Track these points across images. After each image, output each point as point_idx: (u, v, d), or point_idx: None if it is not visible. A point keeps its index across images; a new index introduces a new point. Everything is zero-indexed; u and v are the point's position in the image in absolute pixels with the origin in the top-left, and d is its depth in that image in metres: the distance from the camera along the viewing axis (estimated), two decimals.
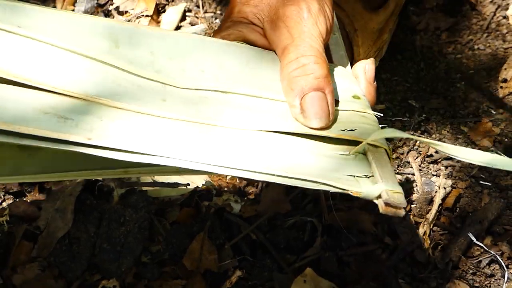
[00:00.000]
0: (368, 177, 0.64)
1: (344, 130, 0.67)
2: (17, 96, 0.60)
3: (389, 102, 1.21)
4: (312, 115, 0.66)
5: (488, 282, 0.99)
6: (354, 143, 0.66)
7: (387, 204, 0.62)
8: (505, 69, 1.22)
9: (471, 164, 1.12)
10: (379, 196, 0.62)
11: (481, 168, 1.11)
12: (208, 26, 1.31)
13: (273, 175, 0.61)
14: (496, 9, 1.32)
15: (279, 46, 0.70)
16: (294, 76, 0.68)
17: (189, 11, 1.36)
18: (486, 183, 1.09)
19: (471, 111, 1.19)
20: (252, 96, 0.68)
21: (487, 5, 1.33)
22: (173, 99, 0.65)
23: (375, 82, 0.73)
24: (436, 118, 1.18)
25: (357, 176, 0.64)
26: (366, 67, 0.73)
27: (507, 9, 1.31)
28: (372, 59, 0.74)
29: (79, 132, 0.59)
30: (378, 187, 0.62)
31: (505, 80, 1.21)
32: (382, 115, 0.69)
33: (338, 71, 0.73)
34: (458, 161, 1.13)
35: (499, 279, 0.99)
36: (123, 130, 0.61)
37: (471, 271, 1.00)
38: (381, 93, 1.23)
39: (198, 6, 1.36)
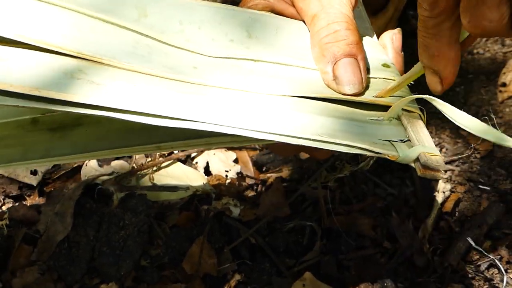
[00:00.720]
0: (404, 142, 0.64)
1: (376, 97, 0.67)
2: (43, 60, 0.60)
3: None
4: (345, 81, 0.66)
5: (487, 286, 1.00)
6: (387, 109, 0.66)
7: (425, 166, 0.62)
8: (504, 73, 1.23)
9: (470, 168, 1.12)
10: (416, 160, 0.62)
11: (480, 172, 1.12)
12: None
13: (309, 139, 0.61)
14: None
15: (308, 14, 0.69)
16: (325, 43, 0.67)
17: None
18: (485, 187, 1.10)
19: (471, 115, 1.19)
20: (283, 64, 0.68)
21: None
22: (204, 67, 0.65)
23: (402, 52, 0.73)
24: (436, 122, 1.19)
25: (392, 141, 0.64)
26: (393, 37, 0.72)
27: None
28: (399, 28, 0.74)
29: (110, 97, 0.59)
30: (415, 150, 0.62)
31: (504, 84, 1.22)
32: (413, 82, 0.70)
33: (366, 40, 0.73)
34: (458, 166, 1.13)
35: (498, 284, 1.00)
36: (159, 96, 0.61)
37: (470, 276, 1.01)
38: None
39: None
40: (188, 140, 0.68)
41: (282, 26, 0.71)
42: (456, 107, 1.19)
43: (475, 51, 1.28)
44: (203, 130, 0.60)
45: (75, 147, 0.69)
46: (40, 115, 0.71)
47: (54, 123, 0.71)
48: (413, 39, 1.29)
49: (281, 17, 0.72)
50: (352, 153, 0.63)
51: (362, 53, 0.66)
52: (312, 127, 0.63)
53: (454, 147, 1.15)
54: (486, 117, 1.19)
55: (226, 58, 0.67)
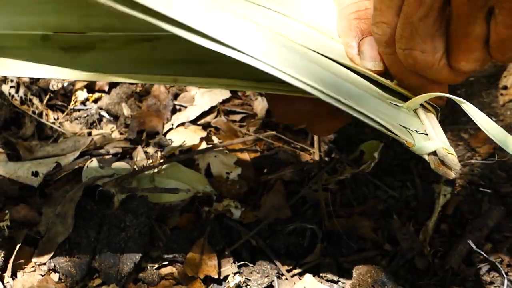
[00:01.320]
0: (420, 134, 0.64)
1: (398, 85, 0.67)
2: None
3: None
4: (371, 57, 0.65)
5: None
6: (404, 98, 0.66)
7: (442, 161, 0.63)
8: (505, 76, 1.23)
9: (471, 171, 1.12)
10: (432, 153, 0.63)
11: (481, 175, 1.12)
12: None
13: (336, 99, 0.62)
14: None
15: None
16: (354, 18, 0.66)
17: None
18: (486, 190, 1.10)
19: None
20: (309, 26, 0.68)
21: None
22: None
23: None
24: None
25: (409, 129, 0.64)
26: None
27: None
28: None
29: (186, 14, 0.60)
30: (433, 143, 0.63)
31: (505, 87, 1.22)
32: None
33: None
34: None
35: (499, 287, 1.00)
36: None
37: (470, 279, 1.01)
38: None
39: None
40: (209, 78, 0.67)
41: None
42: (457, 109, 1.20)
43: None
44: (225, 69, 0.60)
45: (87, 67, 0.68)
46: (52, 33, 0.70)
47: (67, 43, 0.70)
48: None
49: None
50: (370, 125, 0.64)
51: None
52: (337, 86, 0.63)
53: (455, 149, 1.15)
54: None
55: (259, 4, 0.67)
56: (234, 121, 1.20)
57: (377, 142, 1.16)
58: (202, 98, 1.22)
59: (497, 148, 1.15)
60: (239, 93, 1.23)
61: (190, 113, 1.20)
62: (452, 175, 0.64)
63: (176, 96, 1.23)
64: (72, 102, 1.26)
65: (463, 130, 1.18)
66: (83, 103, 1.26)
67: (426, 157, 0.63)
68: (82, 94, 1.26)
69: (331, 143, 1.17)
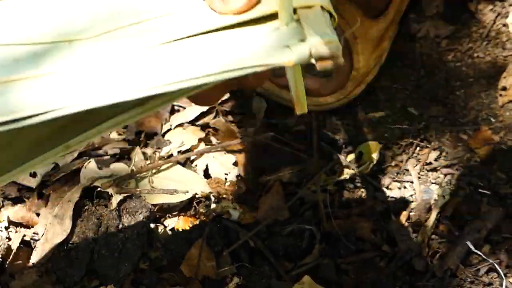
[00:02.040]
0: (302, 40, 0.58)
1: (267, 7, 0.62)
2: None
3: (389, 110, 1.23)
4: None
5: None
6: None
7: (320, 58, 0.57)
8: (505, 77, 1.23)
9: (470, 172, 1.13)
10: (312, 55, 0.57)
11: (480, 176, 1.12)
12: None
13: (197, 77, 0.57)
14: (496, 17, 1.33)
15: None
16: None
17: None
18: (485, 191, 1.10)
19: (471, 119, 1.20)
20: (164, 15, 0.64)
21: (487, 13, 1.34)
22: (83, 50, 0.63)
23: None
24: (436, 125, 1.20)
25: (290, 45, 0.59)
26: None
27: (507, 17, 1.33)
28: None
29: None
30: (306, 44, 0.57)
31: (504, 88, 1.23)
32: None
33: None
34: (457, 169, 1.14)
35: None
36: (43, 94, 0.59)
37: (469, 280, 1.01)
38: (381, 100, 1.24)
39: None
40: (96, 127, 0.64)
41: None
42: (456, 110, 1.20)
43: (475, 54, 1.28)
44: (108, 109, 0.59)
45: None
46: None
47: None
48: (414, 43, 1.30)
49: None
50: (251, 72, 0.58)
51: None
52: (205, 63, 0.58)
53: (454, 150, 1.16)
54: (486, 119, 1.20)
55: (106, 33, 0.63)
56: (232, 122, 1.21)
57: (376, 144, 1.17)
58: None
59: (496, 149, 1.16)
60: (238, 94, 1.23)
61: (189, 113, 1.21)
62: (340, 60, 0.57)
63: (172, 112, 1.24)
64: None
65: (462, 131, 1.18)
66: None
67: (313, 62, 0.57)
68: None
69: (329, 144, 1.17)
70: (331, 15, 0.61)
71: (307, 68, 1.17)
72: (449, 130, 1.19)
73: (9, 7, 0.66)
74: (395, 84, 1.26)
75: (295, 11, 0.60)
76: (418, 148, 1.18)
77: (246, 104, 1.23)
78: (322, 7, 0.60)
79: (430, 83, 1.26)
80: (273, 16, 0.61)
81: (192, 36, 0.61)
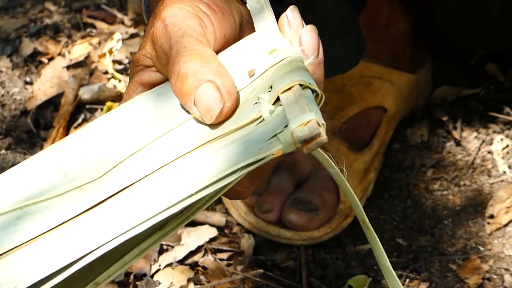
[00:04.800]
0: (286, 126, 0.60)
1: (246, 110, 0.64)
2: None
3: None
4: (204, 111, 0.64)
5: None
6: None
7: (303, 141, 0.59)
8: (492, 205, 1.28)
9: None
10: (296, 142, 0.59)
11: None
12: None
13: (196, 192, 0.60)
14: (481, 144, 1.39)
15: (164, 70, 0.69)
16: (178, 89, 0.66)
17: None
18: None
19: (459, 248, 1.24)
20: (161, 136, 0.67)
21: (472, 141, 1.40)
22: (90, 192, 0.65)
23: (304, 28, 0.68)
24: (425, 256, 1.23)
25: (277, 134, 0.60)
26: (288, 16, 0.69)
27: (491, 144, 1.38)
28: (292, 6, 0.70)
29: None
30: (288, 128, 0.59)
31: (492, 216, 1.27)
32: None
33: (253, 37, 0.70)
34: None
35: None
36: (52, 253, 0.62)
37: None
38: None
39: None
40: (123, 258, 0.66)
41: (157, 95, 0.70)
42: (444, 240, 1.24)
43: (461, 182, 1.33)
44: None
45: None
46: None
47: None
48: (399, 173, 1.35)
49: (158, 87, 0.70)
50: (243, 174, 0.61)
51: (214, 70, 0.65)
52: (194, 180, 0.61)
53: (444, 281, 1.19)
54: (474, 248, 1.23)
55: (112, 169, 0.66)
56: (221, 259, 1.24)
57: (365, 277, 1.20)
58: (189, 237, 1.26)
59: (486, 278, 1.19)
60: (226, 231, 1.27)
61: (177, 253, 1.25)
62: (323, 139, 0.58)
63: None
64: None
65: (451, 261, 1.22)
66: None
67: (300, 146, 0.59)
68: None
69: (318, 279, 1.21)
70: (313, 91, 0.63)
71: (293, 202, 1.23)
72: (438, 260, 1.23)
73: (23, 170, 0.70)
74: (383, 215, 1.30)
75: (278, 98, 0.63)
76: (407, 280, 1.21)
77: (234, 242, 1.27)
78: (301, 85, 0.62)
79: (417, 213, 1.30)
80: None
81: (187, 153, 0.64)
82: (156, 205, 0.61)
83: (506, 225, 1.26)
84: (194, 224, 1.27)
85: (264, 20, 0.71)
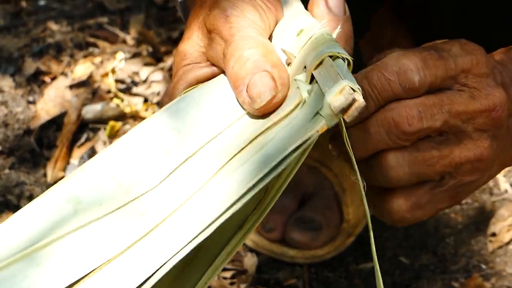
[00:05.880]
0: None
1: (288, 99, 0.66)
2: None
3: (380, 259, 1.29)
4: (256, 95, 0.65)
5: None
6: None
7: (342, 110, 0.60)
8: (493, 223, 1.30)
9: None
10: (336, 112, 0.60)
11: None
12: None
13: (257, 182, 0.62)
14: None
15: (219, 57, 0.69)
16: (235, 71, 0.66)
17: None
18: None
19: (462, 266, 1.26)
20: (213, 138, 0.67)
21: None
22: (152, 203, 0.65)
23: (343, 11, 0.70)
24: (427, 274, 1.25)
25: (319, 110, 0.62)
26: None
27: None
28: None
29: None
30: (326, 102, 0.61)
31: (493, 234, 1.29)
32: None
33: (282, 23, 0.71)
34: None
35: None
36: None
37: None
38: (371, 251, 1.30)
39: None
40: (213, 265, 0.68)
41: (202, 93, 0.70)
42: (446, 258, 1.26)
43: (463, 201, 1.36)
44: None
45: None
46: None
47: None
48: None
49: (200, 84, 0.71)
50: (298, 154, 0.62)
51: (272, 61, 0.66)
52: (256, 168, 0.63)
53: None
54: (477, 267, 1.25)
55: (169, 175, 0.66)
56: (225, 278, 1.26)
57: None
58: None
59: None
60: None
61: None
62: (361, 103, 0.60)
63: None
64: None
65: (454, 279, 1.24)
66: None
67: (340, 117, 0.61)
68: None
69: None
70: (344, 59, 0.64)
71: (296, 221, 1.25)
72: (440, 278, 1.24)
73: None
74: (385, 233, 1.33)
75: (312, 76, 0.64)
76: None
77: (238, 260, 1.29)
78: (331, 56, 0.64)
79: (419, 231, 1.32)
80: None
81: (243, 148, 0.65)
82: (220, 204, 0.62)
83: (508, 243, 1.28)
84: None
85: (292, 6, 0.72)
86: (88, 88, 1.53)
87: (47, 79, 1.53)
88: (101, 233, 0.64)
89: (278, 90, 0.65)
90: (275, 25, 0.71)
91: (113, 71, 1.53)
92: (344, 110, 0.60)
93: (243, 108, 0.67)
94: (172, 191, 0.65)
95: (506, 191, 1.36)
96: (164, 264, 0.62)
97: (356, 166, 0.66)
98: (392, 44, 1.38)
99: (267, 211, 0.68)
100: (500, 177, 1.38)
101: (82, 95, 1.51)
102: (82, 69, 1.56)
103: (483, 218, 1.33)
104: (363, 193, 0.68)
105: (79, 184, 0.66)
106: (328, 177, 1.29)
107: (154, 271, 0.62)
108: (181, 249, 0.62)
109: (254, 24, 0.69)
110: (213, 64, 0.71)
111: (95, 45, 1.60)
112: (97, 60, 1.57)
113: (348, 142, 0.65)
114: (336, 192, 1.29)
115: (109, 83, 1.53)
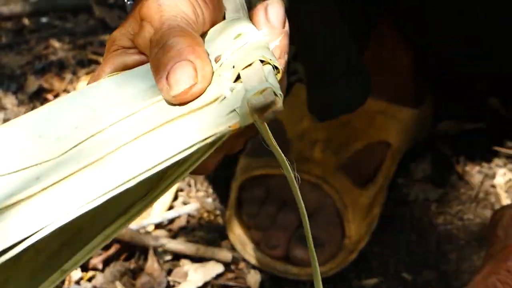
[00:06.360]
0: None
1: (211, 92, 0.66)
2: None
3: (382, 276, 1.30)
4: (174, 82, 0.66)
5: None
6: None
7: (259, 110, 0.60)
8: None
9: None
10: (252, 111, 0.61)
11: None
12: (200, 206, 1.41)
13: (155, 165, 0.63)
14: (484, 178, 1.42)
15: (147, 44, 0.70)
16: (158, 58, 0.67)
17: (181, 190, 1.47)
18: None
19: (464, 282, 1.27)
20: (125, 117, 0.68)
21: (475, 175, 1.43)
22: (48, 170, 0.66)
23: (282, 24, 0.71)
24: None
25: (237, 109, 0.63)
26: (267, 8, 0.71)
27: (494, 178, 1.42)
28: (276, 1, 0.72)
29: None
30: (243, 100, 0.61)
31: None
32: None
33: (221, 25, 0.73)
34: None
35: None
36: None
37: None
38: (373, 266, 1.31)
39: (189, 186, 1.47)
40: (88, 245, 0.68)
41: (124, 79, 0.71)
42: (449, 274, 1.28)
43: (465, 216, 1.37)
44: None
45: None
46: None
47: None
48: (403, 207, 1.38)
49: (127, 71, 0.72)
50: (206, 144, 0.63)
51: (196, 53, 0.67)
52: (161, 150, 0.64)
53: None
54: None
55: (72, 148, 0.67)
56: None
57: None
58: (196, 273, 1.30)
59: None
60: (232, 267, 1.30)
61: None
62: (279, 107, 0.60)
63: (169, 271, 1.31)
64: (66, 282, 1.33)
65: None
66: (77, 282, 1.34)
67: (255, 119, 0.62)
68: (76, 274, 1.34)
69: None
70: (275, 67, 0.65)
71: (299, 238, 1.26)
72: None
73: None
74: (387, 249, 1.34)
75: (238, 76, 0.65)
76: None
77: (241, 278, 1.30)
78: (261, 61, 0.65)
79: (422, 247, 1.33)
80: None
81: (152, 130, 0.66)
82: (113, 179, 0.64)
83: None
84: (200, 260, 1.30)
85: (236, 9, 0.74)
86: None
87: (49, 96, 1.55)
88: None
89: (198, 80, 0.66)
90: (212, 22, 0.73)
91: None
92: (261, 110, 0.61)
93: (162, 96, 0.68)
94: (70, 163, 0.66)
95: None
96: (45, 227, 0.63)
97: (285, 161, 0.67)
98: (392, 58, 1.40)
99: (157, 199, 0.69)
100: (502, 192, 1.39)
101: None
102: (84, 86, 1.57)
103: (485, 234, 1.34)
104: (297, 187, 0.70)
105: None
106: (329, 194, 1.31)
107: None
108: (63, 217, 0.63)
109: (186, 16, 0.70)
110: (141, 52, 0.72)
111: (97, 62, 1.62)
112: None
113: (272, 138, 0.66)
114: (337, 209, 1.30)
115: None
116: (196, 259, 1.31)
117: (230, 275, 1.30)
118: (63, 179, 0.65)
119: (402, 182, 1.43)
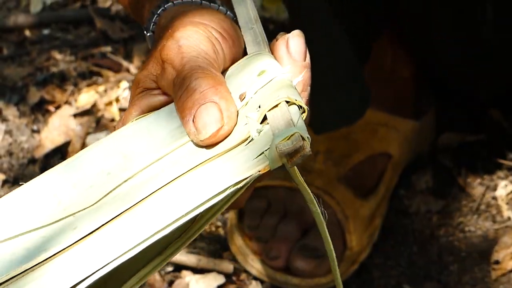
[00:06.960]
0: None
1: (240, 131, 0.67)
2: None
3: (384, 287, 1.31)
4: (201, 126, 0.66)
5: None
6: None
7: (287, 155, 0.61)
8: (497, 250, 1.32)
9: None
10: (281, 156, 0.61)
11: None
12: None
13: (187, 213, 0.63)
14: (485, 190, 1.43)
15: (170, 87, 0.70)
16: (182, 101, 0.67)
17: None
18: None
19: None
20: (154, 161, 0.68)
21: (476, 187, 1.44)
22: (84, 219, 0.67)
23: (291, 33, 0.71)
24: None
25: (264, 151, 0.64)
26: (289, 42, 0.71)
27: (495, 190, 1.43)
28: (297, 31, 0.72)
29: None
30: (272, 144, 0.62)
31: (497, 262, 1.31)
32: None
33: (244, 60, 0.72)
34: None
35: None
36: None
37: None
38: (375, 278, 1.32)
39: None
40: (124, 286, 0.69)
41: (151, 122, 0.71)
42: (450, 286, 1.28)
43: (466, 228, 1.38)
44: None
45: None
46: None
47: None
48: (405, 219, 1.39)
49: (154, 112, 0.72)
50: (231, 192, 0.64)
51: (220, 93, 0.67)
52: (191, 197, 0.64)
53: None
54: None
55: (106, 196, 0.68)
56: None
57: None
58: (197, 284, 1.30)
59: None
60: (234, 278, 1.31)
61: None
62: (307, 151, 0.61)
63: (171, 283, 1.31)
64: None
65: None
66: None
67: (285, 162, 0.62)
68: None
69: None
70: (300, 107, 0.66)
71: (300, 249, 1.27)
72: None
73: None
74: (389, 261, 1.34)
75: (265, 117, 0.66)
76: None
77: None
78: (287, 102, 0.65)
79: (423, 259, 1.34)
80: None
81: (184, 174, 0.66)
82: (150, 227, 0.64)
83: (511, 271, 1.30)
84: (202, 271, 1.31)
85: (257, 45, 0.73)
86: (92, 116, 1.55)
87: (51, 108, 1.56)
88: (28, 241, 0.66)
89: (225, 122, 0.66)
90: (232, 58, 0.73)
91: (117, 100, 1.56)
92: (290, 155, 0.62)
93: (190, 138, 0.68)
94: (106, 210, 0.67)
95: (509, 218, 1.38)
96: (88, 277, 0.63)
97: (313, 198, 0.68)
98: (393, 70, 1.41)
99: (191, 240, 0.69)
100: (503, 204, 1.40)
101: (86, 123, 1.54)
102: (86, 98, 1.59)
103: (486, 246, 1.35)
104: (324, 224, 0.71)
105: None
106: (330, 205, 1.32)
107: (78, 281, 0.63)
108: (104, 267, 0.63)
109: (207, 54, 0.70)
110: (165, 93, 0.73)
111: (98, 74, 1.63)
112: (101, 89, 1.60)
113: (302, 180, 0.66)
114: (339, 220, 1.31)
115: (113, 111, 1.55)
116: (198, 270, 1.32)
117: (231, 286, 1.31)
118: (100, 227, 0.66)
119: (404, 193, 1.44)
